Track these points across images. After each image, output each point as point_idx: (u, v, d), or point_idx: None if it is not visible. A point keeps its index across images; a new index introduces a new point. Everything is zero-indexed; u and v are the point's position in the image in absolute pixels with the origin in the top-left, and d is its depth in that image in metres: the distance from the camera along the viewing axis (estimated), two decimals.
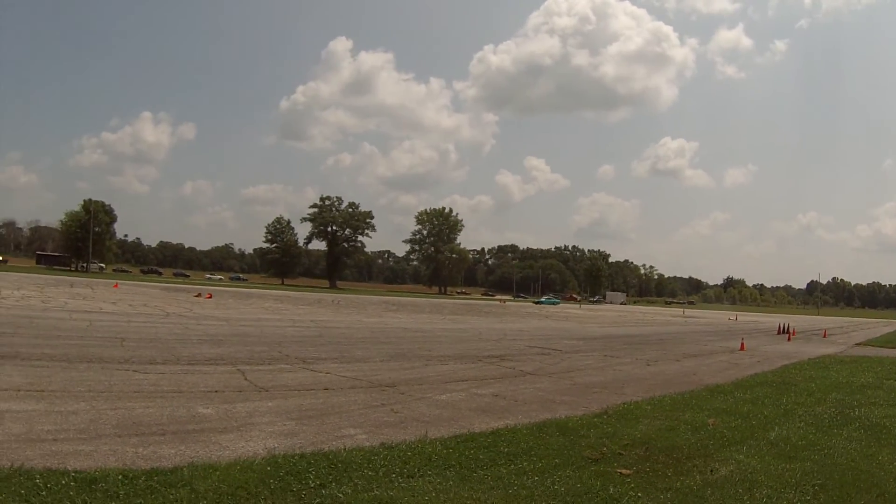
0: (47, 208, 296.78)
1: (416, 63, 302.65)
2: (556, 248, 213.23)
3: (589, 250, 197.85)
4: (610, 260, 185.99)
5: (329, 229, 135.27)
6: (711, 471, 5.90)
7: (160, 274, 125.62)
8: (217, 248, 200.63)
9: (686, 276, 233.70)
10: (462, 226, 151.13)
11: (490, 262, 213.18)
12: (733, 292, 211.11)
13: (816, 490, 5.44)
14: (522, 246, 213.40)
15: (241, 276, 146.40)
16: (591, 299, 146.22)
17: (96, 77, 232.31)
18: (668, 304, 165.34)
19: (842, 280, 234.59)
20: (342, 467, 5.31)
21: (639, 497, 5.04)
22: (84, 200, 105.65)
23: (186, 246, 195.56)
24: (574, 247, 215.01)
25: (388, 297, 78.70)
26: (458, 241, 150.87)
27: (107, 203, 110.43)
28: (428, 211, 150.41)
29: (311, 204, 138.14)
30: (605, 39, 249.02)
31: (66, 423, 6.36)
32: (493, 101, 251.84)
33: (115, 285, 49.23)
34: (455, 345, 18.51)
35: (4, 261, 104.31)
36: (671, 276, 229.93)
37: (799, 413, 9.28)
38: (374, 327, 24.21)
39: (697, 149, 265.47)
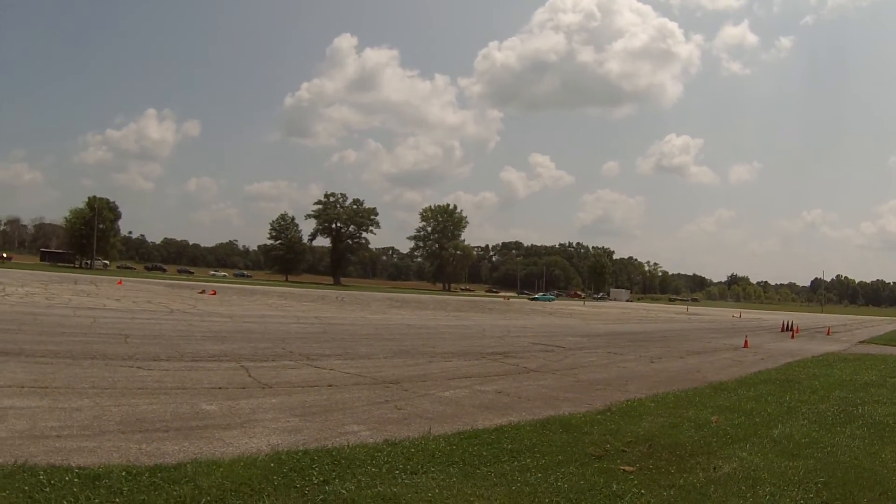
0: (52, 205, 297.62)
1: (420, 59, 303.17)
2: (560, 244, 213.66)
3: (593, 247, 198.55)
4: (614, 257, 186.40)
5: (333, 226, 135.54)
6: (714, 468, 5.89)
7: (164, 271, 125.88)
8: (221, 245, 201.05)
9: (690, 274, 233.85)
10: (466, 222, 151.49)
11: (494, 259, 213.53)
12: (737, 289, 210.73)
13: (819, 488, 5.43)
14: (527, 243, 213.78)
15: (245, 272, 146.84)
16: (596, 296, 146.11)
17: (100, 74, 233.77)
18: (671, 301, 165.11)
19: (846, 277, 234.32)
20: (345, 464, 5.31)
21: (642, 494, 5.03)
22: (88, 197, 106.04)
23: (191, 243, 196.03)
24: (578, 243, 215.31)
25: (392, 293, 78.75)
26: (462, 238, 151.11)
27: (111, 200, 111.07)
28: (432, 207, 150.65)
29: (316, 201, 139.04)
30: (610, 36, 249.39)
31: (69, 419, 6.38)
32: (498, 98, 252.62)
33: (119, 282, 49.41)
34: (459, 341, 18.51)
35: (9, 258, 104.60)
36: (675, 273, 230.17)
37: (802, 411, 9.26)
38: (377, 324, 24.23)
39: (702, 146, 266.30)
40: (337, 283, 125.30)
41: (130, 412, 6.87)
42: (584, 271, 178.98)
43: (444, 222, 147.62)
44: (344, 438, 6.27)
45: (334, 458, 5.43)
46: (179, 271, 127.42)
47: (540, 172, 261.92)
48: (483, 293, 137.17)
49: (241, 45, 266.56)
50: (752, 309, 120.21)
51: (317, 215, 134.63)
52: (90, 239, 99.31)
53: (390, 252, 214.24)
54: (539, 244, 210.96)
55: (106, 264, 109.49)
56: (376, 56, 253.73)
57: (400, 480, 5.00)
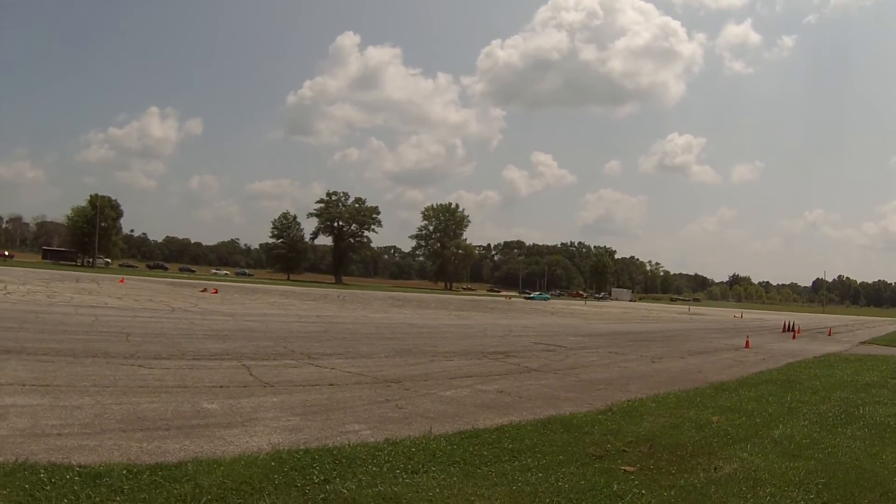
0: (53, 203, 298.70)
1: (423, 58, 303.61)
2: (562, 244, 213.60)
3: (595, 246, 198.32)
4: (615, 256, 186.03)
5: (335, 224, 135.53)
6: (715, 468, 5.89)
7: (166, 269, 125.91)
8: (223, 244, 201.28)
9: (692, 273, 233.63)
10: (468, 221, 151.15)
11: (496, 258, 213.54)
12: (739, 290, 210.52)
13: (820, 488, 5.42)
14: (528, 242, 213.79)
15: (246, 271, 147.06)
16: (597, 296, 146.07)
17: (103, 72, 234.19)
18: (673, 301, 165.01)
19: (847, 278, 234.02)
20: (346, 463, 5.31)
21: (642, 494, 5.03)
22: (90, 195, 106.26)
23: (192, 241, 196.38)
24: (580, 243, 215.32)
25: (393, 292, 78.73)
26: (464, 237, 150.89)
27: (113, 198, 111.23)
28: (434, 206, 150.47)
29: (318, 199, 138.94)
30: (612, 34, 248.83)
31: (70, 417, 6.39)
32: (501, 96, 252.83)
33: (121, 280, 49.48)
34: (460, 341, 18.51)
35: (10, 256, 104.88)
36: (677, 272, 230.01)
37: (803, 411, 9.25)
38: (379, 323, 24.23)
39: (704, 145, 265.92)
40: (338, 282, 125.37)
41: (131, 410, 6.88)
42: (586, 271, 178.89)
43: (445, 221, 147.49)
44: (345, 437, 6.27)
45: (335, 457, 5.43)
46: (181, 270, 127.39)
47: (542, 171, 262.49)
48: (485, 292, 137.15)
49: (244, 43, 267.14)
50: (754, 309, 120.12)
51: (319, 214, 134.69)
52: (92, 237, 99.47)
53: (392, 251, 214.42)
54: (541, 243, 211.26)
55: (108, 262, 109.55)
56: (379, 54, 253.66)
57: (401, 480, 5.01)
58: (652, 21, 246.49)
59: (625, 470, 5.66)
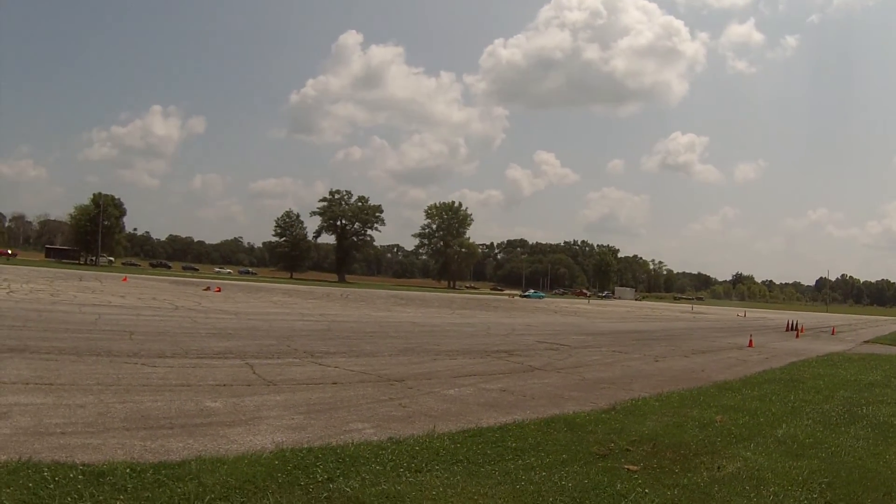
0: (56, 202, 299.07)
1: (426, 57, 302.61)
2: (565, 242, 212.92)
3: (598, 245, 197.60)
4: (619, 255, 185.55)
5: (338, 223, 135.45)
6: (718, 468, 5.88)
7: (169, 267, 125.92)
8: (226, 242, 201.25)
9: (695, 272, 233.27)
10: (471, 220, 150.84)
11: (499, 257, 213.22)
12: (742, 289, 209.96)
13: (823, 488, 5.41)
14: (531, 240, 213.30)
15: (250, 269, 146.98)
16: (601, 294, 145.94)
17: (106, 70, 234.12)
18: (676, 299, 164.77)
19: (851, 277, 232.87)
20: (350, 461, 5.32)
21: (646, 493, 5.02)
22: (93, 194, 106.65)
23: (196, 240, 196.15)
24: (583, 241, 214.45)
25: (396, 291, 78.73)
26: (467, 236, 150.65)
27: (116, 197, 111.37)
28: (437, 205, 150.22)
29: (321, 198, 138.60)
30: (615, 34, 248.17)
31: (74, 416, 6.40)
32: (504, 95, 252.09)
33: (124, 279, 49.56)
34: (463, 339, 18.52)
35: (14, 254, 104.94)
36: (680, 271, 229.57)
37: (806, 410, 9.24)
38: (382, 321, 24.24)
39: (707, 144, 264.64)
40: (341, 281, 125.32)
41: (135, 409, 6.89)
42: (589, 269, 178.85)
43: (448, 220, 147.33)
44: (348, 436, 6.27)
45: (339, 456, 5.43)
46: (184, 268, 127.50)
47: (545, 170, 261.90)
48: (488, 291, 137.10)
49: (247, 41, 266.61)
50: (757, 308, 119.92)
51: (322, 212, 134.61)
52: (95, 236, 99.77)
53: (395, 249, 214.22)
54: (544, 242, 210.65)
55: (111, 261, 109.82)
56: (382, 53, 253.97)
57: (404, 478, 5.01)
58: (655, 20, 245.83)
59: (628, 469, 5.65)
